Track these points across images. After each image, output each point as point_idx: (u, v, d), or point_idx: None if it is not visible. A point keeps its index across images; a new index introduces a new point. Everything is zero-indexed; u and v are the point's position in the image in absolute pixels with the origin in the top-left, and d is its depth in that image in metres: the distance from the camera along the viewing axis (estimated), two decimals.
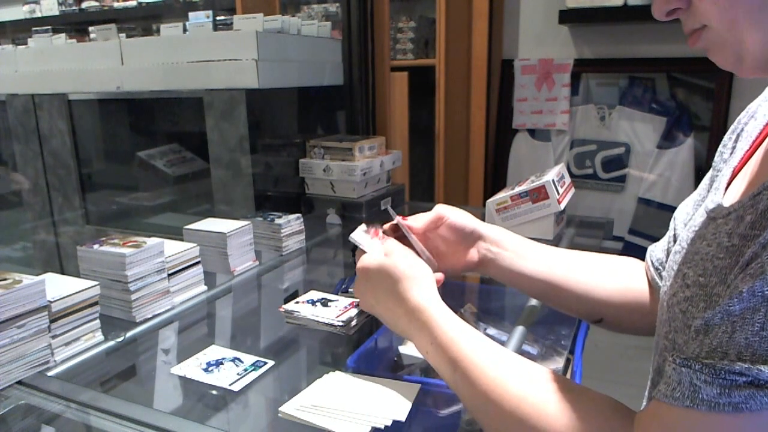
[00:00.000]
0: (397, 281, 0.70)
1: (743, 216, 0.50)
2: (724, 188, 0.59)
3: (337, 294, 1.03)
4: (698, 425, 0.42)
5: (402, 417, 0.65)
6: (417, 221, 0.84)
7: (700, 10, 0.48)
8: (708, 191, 0.67)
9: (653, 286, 0.76)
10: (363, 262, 0.76)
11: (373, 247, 0.79)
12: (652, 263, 0.77)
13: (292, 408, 0.68)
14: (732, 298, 0.42)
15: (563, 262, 0.80)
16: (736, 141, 0.65)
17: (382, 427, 0.64)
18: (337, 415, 0.67)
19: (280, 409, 0.69)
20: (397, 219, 0.84)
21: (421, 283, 0.70)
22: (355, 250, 1.19)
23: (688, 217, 0.71)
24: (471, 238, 0.82)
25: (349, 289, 1.08)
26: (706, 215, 0.58)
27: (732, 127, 0.68)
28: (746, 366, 0.40)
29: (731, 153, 0.65)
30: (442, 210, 0.83)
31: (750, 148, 0.60)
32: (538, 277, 0.79)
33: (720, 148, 0.68)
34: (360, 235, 0.81)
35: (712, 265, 0.51)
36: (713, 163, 0.68)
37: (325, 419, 0.66)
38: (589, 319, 0.81)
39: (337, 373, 0.77)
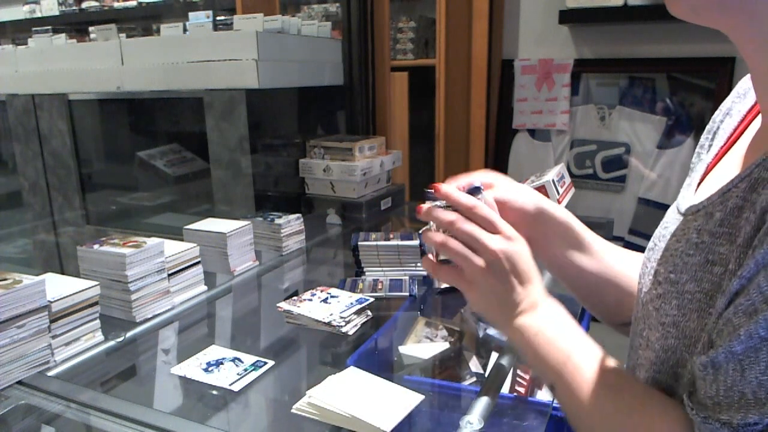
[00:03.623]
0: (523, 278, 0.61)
1: (712, 213, 0.50)
2: (696, 185, 0.59)
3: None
4: None
5: (388, 428, 0.65)
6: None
7: None
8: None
9: None
10: (503, 245, 0.60)
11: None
12: None
13: (305, 402, 0.69)
14: (732, 340, 0.43)
15: (618, 259, 0.76)
16: (712, 140, 0.65)
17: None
18: (337, 416, 0.67)
19: (308, 399, 0.70)
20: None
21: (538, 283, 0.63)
22: (355, 250, 1.20)
23: None
24: (530, 218, 0.71)
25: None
26: (676, 211, 0.58)
27: (708, 127, 0.67)
28: (758, 416, 0.42)
29: (707, 152, 0.65)
30: (503, 195, 0.69)
31: (725, 144, 0.60)
32: (592, 273, 0.73)
33: (697, 149, 0.67)
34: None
35: (682, 261, 0.52)
36: (691, 164, 0.68)
37: (333, 416, 0.67)
38: (617, 321, 0.76)
39: (352, 368, 0.78)
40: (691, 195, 0.58)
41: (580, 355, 0.58)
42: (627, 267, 0.75)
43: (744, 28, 0.48)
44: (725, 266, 0.47)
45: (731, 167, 0.55)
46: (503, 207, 0.67)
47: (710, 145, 0.65)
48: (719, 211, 0.50)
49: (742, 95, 0.62)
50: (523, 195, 0.69)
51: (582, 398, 0.55)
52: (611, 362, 0.58)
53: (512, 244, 0.60)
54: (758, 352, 0.41)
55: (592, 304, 0.77)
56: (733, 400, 0.43)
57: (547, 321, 0.61)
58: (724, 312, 0.45)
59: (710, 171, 0.60)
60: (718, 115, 0.66)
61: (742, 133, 0.59)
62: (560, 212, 0.71)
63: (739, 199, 0.48)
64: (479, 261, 0.60)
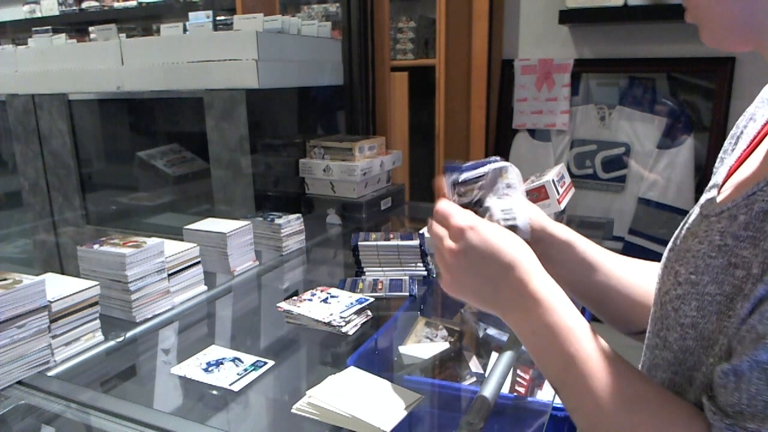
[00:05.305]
0: (508, 250, 0.59)
1: (736, 215, 0.50)
2: (719, 186, 0.59)
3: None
4: None
5: (388, 428, 0.65)
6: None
7: None
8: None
9: None
10: (470, 220, 0.61)
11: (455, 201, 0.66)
12: None
13: (305, 402, 0.69)
14: (757, 349, 0.43)
15: (623, 270, 0.75)
16: (735, 144, 0.65)
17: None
18: (337, 416, 0.67)
19: (308, 399, 0.69)
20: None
21: (531, 259, 0.60)
22: (355, 250, 1.20)
23: None
24: (535, 234, 0.72)
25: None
26: (699, 212, 0.58)
27: (732, 132, 0.68)
28: None
29: (730, 155, 0.65)
30: None
31: (748, 147, 0.61)
32: (597, 287, 0.74)
33: (720, 154, 0.68)
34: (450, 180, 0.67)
35: (704, 263, 0.52)
36: (714, 168, 0.68)
37: (333, 416, 0.67)
38: (630, 330, 0.76)
39: (352, 368, 0.78)
40: (713, 195, 0.58)
41: (584, 351, 0.55)
42: (636, 277, 0.74)
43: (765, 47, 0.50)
44: (747, 270, 0.47)
45: (755, 169, 0.56)
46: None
47: (733, 149, 0.65)
48: (744, 214, 0.50)
49: (766, 100, 0.63)
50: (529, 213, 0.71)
51: (597, 404, 0.53)
52: (614, 356, 0.55)
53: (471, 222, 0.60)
54: None
55: (602, 313, 0.77)
56: (757, 409, 0.43)
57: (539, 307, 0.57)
58: (749, 318, 0.44)
59: (733, 173, 0.60)
60: (742, 121, 0.66)
61: (765, 136, 0.59)
62: (562, 231, 0.73)
63: (765, 203, 0.48)
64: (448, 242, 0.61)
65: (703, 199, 0.60)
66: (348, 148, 1.64)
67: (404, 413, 0.69)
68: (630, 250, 1.97)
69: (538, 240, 0.71)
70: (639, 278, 0.74)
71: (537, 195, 1.31)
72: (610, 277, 0.73)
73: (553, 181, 1.31)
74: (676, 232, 0.63)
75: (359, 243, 1.19)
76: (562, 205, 1.33)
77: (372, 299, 1.02)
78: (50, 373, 0.82)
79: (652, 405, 0.51)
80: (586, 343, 0.55)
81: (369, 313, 0.99)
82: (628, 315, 0.74)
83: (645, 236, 2.02)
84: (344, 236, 1.53)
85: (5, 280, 0.79)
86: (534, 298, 0.57)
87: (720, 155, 0.68)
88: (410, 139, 2.23)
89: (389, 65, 1.98)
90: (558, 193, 1.31)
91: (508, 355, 0.86)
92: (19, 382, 0.79)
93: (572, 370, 0.54)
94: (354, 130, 1.94)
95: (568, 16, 1.94)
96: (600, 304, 0.75)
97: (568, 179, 1.45)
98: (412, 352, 0.96)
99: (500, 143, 2.22)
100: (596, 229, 1.60)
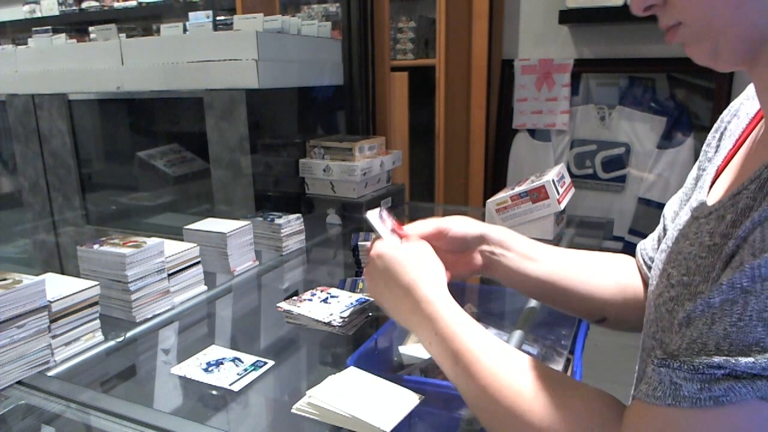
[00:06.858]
0: (408, 272, 0.69)
1: (724, 215, 0.51)
2: (708, 187, 0.60)
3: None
4: (682, 422, 0.42)
5: (388, 428, 0.65)
6: (415, 232, 0.81)
7: (677, 6, 0.49)
8: (693, 190, 0.68)
9: (646, 283, 0.76)
10: (378, 248, 0.73)
11: (388, 235, 0.77)
12: (644, 260, 0.77)
13: (305, 402, 0.69)
14: (713, 291, 0.43)
15: (565, 262, 0.80)
16: (720, 140, 0.66)
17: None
18: (337, 416, 0.67)
19: (308, 399, 0.70)
20: (387, 225, 0.81)
21: (431, 277, 0.69)
22: (355, 250, 1.20)
23: (675, 214, 0.72)
24: (474, 243, 0.81)
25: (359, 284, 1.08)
26: (690, 214, 0.59)
27: (715, 126, 0.68)
28: (723, 359, 0.40)
29: (716, 151, 0.66)
30: (442, 224, 0.81)
31: (733, 146, 0.61)
32: (542, 279, 0.78)
33: (704, 147, 0.69)
34: (375, 220, 0.79)
35: (695, 264, 0.52)
36: (698, 162, 0.69)
37: (333, 416, 0.67)
38: (592, 319, 0.80)
39: (352, 368, 0.78)
40: (703, 197, 0.59)
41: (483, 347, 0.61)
42: (577, 269, 0.79)
43: (757, 71, 0.50)
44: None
45: (740, 170, 0.56)
46: (444, 235, 0.80)
47: (718, 145, 0.65)
48: (730, 213, 0.50)
49: (752, 97, 0.63)
50: (464, 224, 0.81)
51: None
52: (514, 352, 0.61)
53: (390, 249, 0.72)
54: (734, 304, 0.41)
55: (558, 304, 0.82)
56: (693, 351, 0.42)
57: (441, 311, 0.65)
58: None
59: (721, 172, 0.60)
60: (726, 115, 0.67)
61: (749, 134, 0.59)
62: (495, 233, 0.81)
63: (749, 200, 0.48)
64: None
65: (694, 200, 0.60)
66: (348, 148, 1.64)
67: (404, 413, 0.69)
68: (630, 250, 1.98)
69: (476, 245, 0.80)
70: (579, 270, 0.79)
71: (537, 195, 1.31)
72: (552, 270, 0.79)
73: (553, 181, 1.31)
74: (669, 232, 0.64)
75: (359, 243, 1.19)
76: (562, 205, 1.33)
77: (372, 299, 1.02)
78: (50, 373, 0.82)
79: (544, 384, 0.55)
80: (471, 341, 0.61)
81: (369, 313, 0.99)
82: (582, 305, 0.79)
83: (645, 236, 2.01)
84: (344, 236, 1.53)
85: (5, 280, 0.79)
86: (430, 317, 0.65)
87: (703, 149, 0.69)
88: (410, 139, 2.23)
89: (389, 65, 1.98)
90: (558, 193, 1.31)
91: (518, 334, 0.87)
92: (19, 382, 0.79)
93: (460, 363, 0.60)
94: (354, 130, 1.94)
95: (568, 16, 1.94)
96: (552, 296, 0.80)
97: (568, 179, 1.45)
98: (412, 352, 0.96)
99: (500, 143, 2.23)
100: (596, 229, 1.60)
